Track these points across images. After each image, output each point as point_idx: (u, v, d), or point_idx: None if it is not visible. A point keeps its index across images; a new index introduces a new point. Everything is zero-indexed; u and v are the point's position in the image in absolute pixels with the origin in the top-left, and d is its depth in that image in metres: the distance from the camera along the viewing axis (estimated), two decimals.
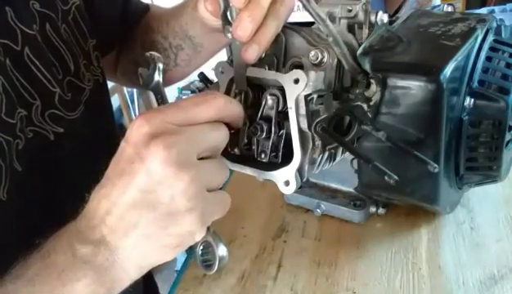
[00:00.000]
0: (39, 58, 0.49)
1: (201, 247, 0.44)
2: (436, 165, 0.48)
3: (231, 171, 0.83)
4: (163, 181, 0.35)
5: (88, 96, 0.55)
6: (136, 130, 0.36)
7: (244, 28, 0.41)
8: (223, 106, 0.40)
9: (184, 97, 2.25)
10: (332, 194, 0.69)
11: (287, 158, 0.50)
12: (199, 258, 0.44)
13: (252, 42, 0.43)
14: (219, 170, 0.41)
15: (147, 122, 0.36)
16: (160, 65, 0.44)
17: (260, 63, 0.53)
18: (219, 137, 0.40)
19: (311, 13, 0.50)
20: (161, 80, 0.45)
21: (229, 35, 0.45)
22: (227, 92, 0.53)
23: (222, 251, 0.44)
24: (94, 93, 0.57)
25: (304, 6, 0.50)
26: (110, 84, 2.60)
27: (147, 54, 0.44)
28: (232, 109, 0.41)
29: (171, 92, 2.44)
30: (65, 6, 0.54)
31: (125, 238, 0.37)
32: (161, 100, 0.46)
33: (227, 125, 0.42)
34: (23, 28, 0.48)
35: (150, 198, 0.36)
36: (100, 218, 0.37)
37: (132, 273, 0.39)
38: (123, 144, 0.37)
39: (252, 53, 0.43)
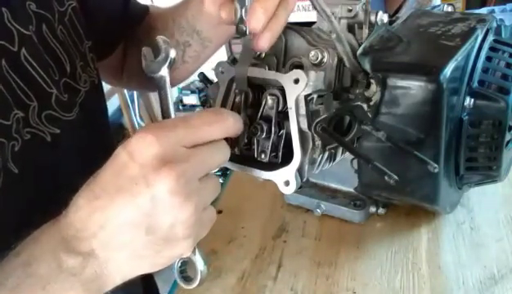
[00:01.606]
0: (36, 59, 0.49)
1: (180, 263, 0.43)
2: (436, 165, 0.48)
3: (231, 171, 0.83)
4: (167, 210, 0.35)
5: (84, 98, 0.55)
6: (145, 149, 0.34)
7: (258, 19, 0.42)
8: (232, 126, 0.40)
9: (184, 97, 2.25)
10: (332, 194, 0.69)
11: (287, 158, 0.50)
12: (177, 273, 0.44)
13: (265, 31, 0.43)
14: (215, 189, 0.41)
15: (157, 141, 0.34)
16: (172, 53, 0.40)
17: (260, 63, 0.53)
18: (223, 158, 0.41)
19: (316, 8, 0.50)
20: (169, 72, 0.41)
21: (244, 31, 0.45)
22: (227, 92, 0.53)
23: (201, 265, 0.44)
24: (90, 95, 0.57)
25: (311, 1, 0.50)
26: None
27: (158, 38, 0.40)
28: (239, 127, 0.42)
29: (171, 92, 2.44)
30: (62, 7, 0.54)
31: (117, 254, 0.36)
32: (164, 96, 0.43)
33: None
34: (19, 28, 0.48)
35: (149, 222, 0.35)
36: (91, 231, 0.36)
37: (118, 281, 0.38)
38: (125, 157, 0.35)
39: (265, 42, 0.44)
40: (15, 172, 0.45)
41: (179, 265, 0.43)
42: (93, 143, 0.55)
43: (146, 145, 0.35)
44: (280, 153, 0.51)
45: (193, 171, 0.36)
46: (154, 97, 2.56)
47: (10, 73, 0.46)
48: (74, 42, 0.55)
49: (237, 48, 2.06)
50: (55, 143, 0.49)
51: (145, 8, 0.73)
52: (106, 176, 0.36)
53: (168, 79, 0.41)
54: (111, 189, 0.36)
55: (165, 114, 0.43)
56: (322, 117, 0.50)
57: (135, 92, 2.42)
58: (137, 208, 0.35)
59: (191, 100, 2.27)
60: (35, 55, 0.49)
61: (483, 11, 1.11)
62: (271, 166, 0.51)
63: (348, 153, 0.58)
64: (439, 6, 0.65)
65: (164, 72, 0.40)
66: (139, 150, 0.35)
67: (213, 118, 0.39)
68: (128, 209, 0.35)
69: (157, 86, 0.42)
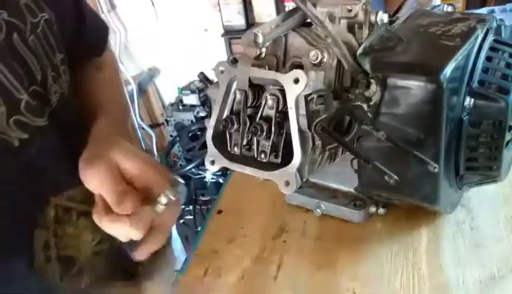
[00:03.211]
0: (5, 65, 0.49)
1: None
2: (436, 165, 0.48)
3: (231, 171, 0.83)
4: None
5: (55, 107, 0.55)
6: None
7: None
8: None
9: (184, 97, 2.25)
10: (332, 194, 0.69)
11: (287, 158, 0.50)
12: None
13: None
14: None
15: None
16: (167, 198, 0.49)
17: (260, 63, 0.53)
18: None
19: (308, 15, 0.50)
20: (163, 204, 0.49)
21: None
22: (227, 92, 0.53)
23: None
24: (61, 105, 0.56)
25: (301, 8, 0.50)
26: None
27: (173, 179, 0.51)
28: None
29: (171, 92, 2.44)
30: (34, 18, 0.54)
31: None
32: None
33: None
34: None
35: None
36: None
37: None
38: None
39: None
40: None
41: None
42: (62, 153, 0.54)
43: None
44: (280, 153, 0.51)
45: None
46: (154, 97, 2.56)
47: None
48: (46, 53, 0.55)
49: (237, 48, 2.06)
50: (22, 148, 0.49)
51: (99, 48, 0.72)
52: None
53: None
54: None
55: None
56: (322, 117, 0.50)
57: (135, 92, 2.42)
58: None
59: (191, 100, 2.26)
60: (5, 61, 0.49)
61: (483, 11, 1.11)
62: (271, 166, 0.51)
63: (348, 153, 0.58)
64: (439, 6, 0.65)
65: (159, 209, 0.49)
66: None
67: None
68: None
69: None
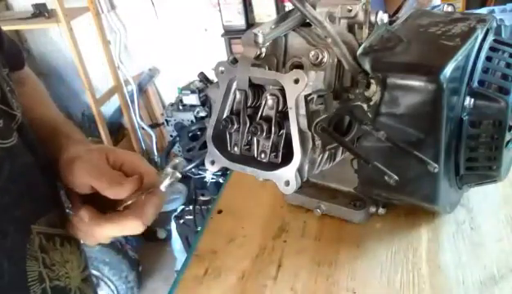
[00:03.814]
0: None
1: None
2: (436, 165, 0.48)
3: (231, 171, 0.83)
4: None
5: (20, 123, 0.51)
6: None
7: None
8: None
9: (184, 97, 2.25)
10: (332, 194, 0.69)
11: (287, 158, 0.50)
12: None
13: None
14: None
15: None
16: (173, 177, 0.50)
17: (261, 63, 0.53)
18: None
19: (307, 16, 0.50)
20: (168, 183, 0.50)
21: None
22: (227, 92, 0.53)
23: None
24: (24, 120, 0.53)
25: (300, 10, 0.50)
26: (110, 84, 2.58)
27: (178, 160, 0.50)
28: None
29: (171, 92, 2.44)
30: None
31: None
32: None
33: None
34: None
35: None
36: None
37: None
38: None
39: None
40: None
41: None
42: (34, 171, 0.51)
43: None
44: (280, 153, 0.51)
45: None
46: (154, 97, 2.56)
47: None
48: None
49: (237, 48, 2.06)
50: None
51: (20, 61, 0.67)
52: None
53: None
54: None
55: None
56: (322, 117, 0.50)
57: (135, 92, 2.42)
58: None
59: (191, 100, 2.26)
60: None
61: (483, 11, 1.11)
62: (271, 166, 0.51)
63: (348, 153, 0.58)
64: (439, 6, 0.65)
65: (163, 187, 0.50)
66: None
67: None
68: None
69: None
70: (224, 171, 1.83)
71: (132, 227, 0.49)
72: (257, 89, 0.52)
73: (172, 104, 2.35)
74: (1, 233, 0.45)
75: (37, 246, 0.50)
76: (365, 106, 0.53)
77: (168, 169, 0.50)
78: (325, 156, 0.55)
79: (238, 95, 0.52)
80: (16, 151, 0.48)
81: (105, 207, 0.50)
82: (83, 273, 0.59)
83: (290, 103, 0.48)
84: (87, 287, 0.59)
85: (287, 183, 0.49)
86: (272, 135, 0.50)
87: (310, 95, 0.48)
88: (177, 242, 1.97)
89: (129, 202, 0.50)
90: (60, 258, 0.54)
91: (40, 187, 0.52)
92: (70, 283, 0.55)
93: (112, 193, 0.49)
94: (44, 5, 2.14)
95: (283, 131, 0.51)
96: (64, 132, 0.58)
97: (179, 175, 0.50)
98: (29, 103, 0.58)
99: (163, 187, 0.50)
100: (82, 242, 0.57)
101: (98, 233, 0.51)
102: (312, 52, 0.53)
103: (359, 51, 0.53)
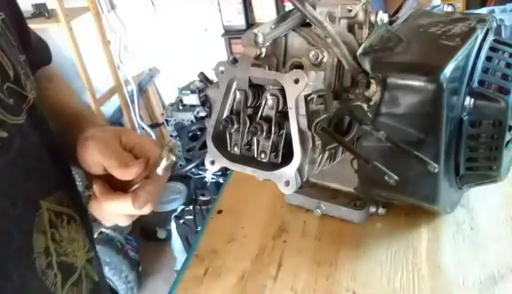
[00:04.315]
0: None
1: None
2: (436, 165, 0.48)
3: (231, 171, 0.83)
4: None
5: (32, 105, 0.53)
6: None
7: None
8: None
9: (184, 97, 2.25)
10: (332, 194, 0.69)
11: (287, 158, 0.50)
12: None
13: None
14: None
15: None
16: (169, 160, 0.50)
17: (261, 63, 0.53)
18: None
19: (307, 16, 0.50)
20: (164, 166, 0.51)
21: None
22: (227, 92, 0.53)
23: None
24: (37, 103, 0.55)
25: (300, 10, 0.50)
26: (110, 84, 2.58)
27: (170, 143, 0.51)
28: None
29: (171, 92, 2.44)
30: None
31: None
32: None
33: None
34: None
35: None
36: None
37: None
38: None
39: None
40: None
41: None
42: (43, 151, 0.53)
43: None
44: (280, 153, 0.51)
45: None
46: (154, 97, 2.56)
47: None
48: (11, 51, 0.53)
49: (237, 48, 2.06)
50: (4, 148, 0.47)
51: (44, 61, 0.70)
52: None
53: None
54: None
55: None
56: (322, 117, 0.50)
57: (135, 92, 2.42)
58: None
59: (191, 100, 2.25)
60: None
61: (483, 11, 1.10)
62: (271, 166, 0.51)
63: (348, 153, 0.58)
64: (439, 6, 0.65)
65: (160, 171, 0.50)
66: None
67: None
68: None
69: None
70: (224, 171, 1.83)
71: (125, 207, 0.50)
72: (257, 89, 0.52)
73: (172, 104, 2.35)
74: (11, 203, 0.47)
75: (46, 220, 0.52)
76: (365, 106, 0.53)
77: (163, 152, 0.50)
78: (325, 156, 0.55)
79: (238, 95, 0.52)
80: (25, 130, 0.50)
81: (119, 190, 0.52)
82: (88, 254, 0.60)
83: (290, 103, 0.48)
84: (91, 268, 0.61)
85: (287, 183, 0.49)
86: (272, 135, 0.50)
87: (310, 95, 0.48)
88: (177, 242, 1.97)
89: (136, 186, 0.51)
90: (68, 235, 0.55)
91: (48, 167, 0.53)
92: (77, 262, 0.57)
93: (119, 173, 0.50)
94: (44, 5, 2.14)
95: (283, 131, 0.51)
96: (87, 118, 0.61)
97: (174, 159, 0.50)
98: (56, 95, 0.63)
99: (159, 170, 0.50)
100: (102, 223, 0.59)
101: (106, 209, 0.52)
102: (312, 52, 0.53)
103: (359, 51, 0.53)
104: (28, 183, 0.50)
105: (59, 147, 0.55)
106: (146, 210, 0.52)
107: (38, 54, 0.64)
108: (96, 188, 0.51)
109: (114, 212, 0.53)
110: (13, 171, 0.48)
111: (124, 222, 0.55)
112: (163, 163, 0.50)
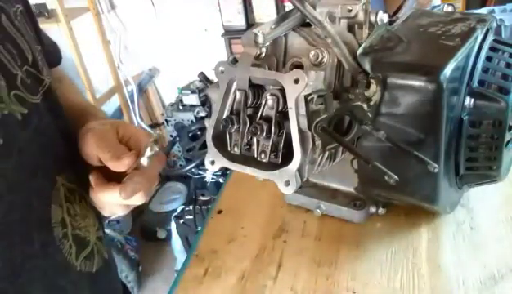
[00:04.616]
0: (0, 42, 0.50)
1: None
2: (436, 165, 0.48)
3: (231, 171, 0.83)
4: None
5: (47, 89, 0.56)
6: None
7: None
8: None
9: (184, 97, 2.25)
10: (332, 194, 0.69)
11: (287, 158, 0.50)
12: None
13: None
14: None
15: None
16: (153, 150, 0.51)
17: (261, 63, 0.53)
18: None
19: (307, 16, 0.50)
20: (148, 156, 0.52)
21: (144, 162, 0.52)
22: (227, 92, 0.53)
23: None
24: (52, 88, 0.58)
25: (300, 10, 0.50)
26: (110, 84, 2.58)
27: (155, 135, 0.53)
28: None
29: (171, 92, 2.45)
30: (13, 7, 0.55)
31: None
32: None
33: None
34: None
35: None
36: None
37: None
38: None
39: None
40: (1, 143, 0.46)
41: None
42: (56, 132, 0.56)
43: None
44: (280, 153, 0.51)
45: None
46: (154, 97, 2.56)
47: None
48: (30, 38, 0.56)
49: (237, 48, 2.06)
50: (24, 122, 0.50)
51: (54, 62, 0.72)
52: None
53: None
54: None
55: None
56: (322, 117, 0.50)
57: (135, 92, 2.42)
58: None
59: (191, 100, 2.26)
60: None
61: (483, 11, 1.10)
62: (271, 166, 0.51)
63: (348, 153, 0.58)
64: (439, 6, 0.65)
65: (145, 161, 0.51)
66: None
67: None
68: None
69: None
70: (224, 171, 1.83)
71: (114, 196, 0.51)
72: (257, 89, 0.52)
73: (172, 104, 2.35)
74: (31, 175, 0.51)
75: (62, 195, 0.55)
76: (365, 106, 0.53)
77: (148, 143, 0.52)
78: (325, 156, 0.55)
79: (238, 95, 0.52)
80: (41, 110, 0.53)
81: (115, 181, 0.53)
82: (98, 233, 0.62)
83: (290, 103, 0.48)
84: (101, 245, 0.63)
85: (287, 183, 0.49)
86: (272, 135, 0.50)
87: (310, 95, 0.48)
88: (177, 242, 1.97)
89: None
90: (81, 212, 0.58)
91: (61, 148, 0.56)
92: (89, 236, 0.60)
93: (112, 165, 0.51)
94: (44, 5, 2.14)
95: (283, 131, 0.51)
96: (90, 112, 0.64)
97: (157, 149, 0.51)
98: (65, 94, 0.66)
99: (144, 160, 0.51)
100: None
101: (101, 199, 0.54)
102: (312, 52, 0.53)
103: (359, 51, 0.53)
104: (44, 159, 0.52)
105: (71, 133, 0.57)
106: (138, 200, 0.53)
107: (49, 54, 0.67)
108: (92, 178, 0.53)
109: (108, 202, 0.55)
110: (32, 146, 0.50)
111: (121, 211, 0.57)
112: (147, 153, 0.51)
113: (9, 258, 0.48)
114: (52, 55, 0.72)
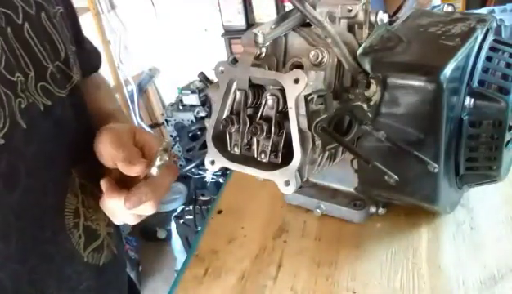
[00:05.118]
0: (36, 36, 0.52)
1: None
2: (436, 165, 0.48)
3: (231, 171, 0.83)
4: None
5: (75, 86, 0.58)
6: None
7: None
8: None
9: (184, 97, 2.25)
10: (332, 194, 0.69)
11: (287, 158, 0.50)
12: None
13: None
14: None
15: None
16: (162, 160, 0.51)
17: (261, 63, 0.53)
18: None
19: (307, 16, 0.50)
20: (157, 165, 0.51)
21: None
22: (227, 92, 0.53)
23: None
24: (79, 86, 0.60)
25: (300, 10, 0.50)
26: (110, 83, 2.60)
27: (165, 143, 0.52)
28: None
29: (171, 92, 2.45)
30: (54, 8, 0.57)
31: None
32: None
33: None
34: (24, 6, 0.51)
35: None
36: None
37: None
38: None
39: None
40: (24, 128, 0.48)
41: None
42: (76, 127, 0.57)
43: None
44: (280, 153, 0.51)
45: None
46: (154, 97, 2.56)
47: (14, 40, 0.49)
48: (66, 38, 0.58)
49: (237, 48, 2.06)
50: (46, 113, 0.51)
51: (93, 67, 0.75)
52: None
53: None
54: None
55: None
56: (322, 117, 0.50)
57: (135, 92, 2.42)
58: None
59: (191, 100, 2.26)
60: (36, 32, 0.52)
61: (483, 11, 1.10)
62: (271, 166, 0.51)
63: (348, 153, 0.58)
64: (439, 6, 0.65)
65: (154, 171, 0.51)
66: None
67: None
68: None
69: None
70: (224, 171, 1.83)
71: (119, 204, 0.51)
72: (257, 89, 0.52)
73: (172, 104, 2.35)
74: (48, 163, 0.52)
75: (78, 185, 0.57)
76: (365, 106, 0.53)
77: (158, 152, 0.51)
78: (325, 156, 0.55)
79: (238, 95, 0.52)
80: (67, 104, 0.55)
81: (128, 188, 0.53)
82: (108, 228, 0.63)
83: (290, 103, 0.48)
84: (111, 240, 0.64)
85: (287, 183, 0.49)
86: (272, 135, 0.50)
87: (310, 95, 0.48)
88: (177, 242, 1.97)
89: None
90: (95, 205, 0.58)
91: (78, 142, 0.57)
92: (100, 230, 0.61)
93: (123, 167, 0.51)
94: None
95: (283, 131, 0.51)
96: (115, 117, 0.66)
97: (167, 158, 0.51)
98: (98, 101, 0.69)
99: (153, 170, 0.51)
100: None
101: (109, 206, 0.54)
102: (312, 52, 0.53)
103: (359, 51, 0.53)
104: (62, 149, 0.54)
105: (91, 132, 0.58)
106: (147, 210, 0.53)
107: (90, 58, 0.70)
108: (103, 183, 0.53)
109: (116, 210, 0.54)
110: (50, 136, 0.52)
111: (132, 221, 0.56)
112: (157, 163, 0.50)
113: (22, 241, 0.49)
114: (93, 60, 0.74)
